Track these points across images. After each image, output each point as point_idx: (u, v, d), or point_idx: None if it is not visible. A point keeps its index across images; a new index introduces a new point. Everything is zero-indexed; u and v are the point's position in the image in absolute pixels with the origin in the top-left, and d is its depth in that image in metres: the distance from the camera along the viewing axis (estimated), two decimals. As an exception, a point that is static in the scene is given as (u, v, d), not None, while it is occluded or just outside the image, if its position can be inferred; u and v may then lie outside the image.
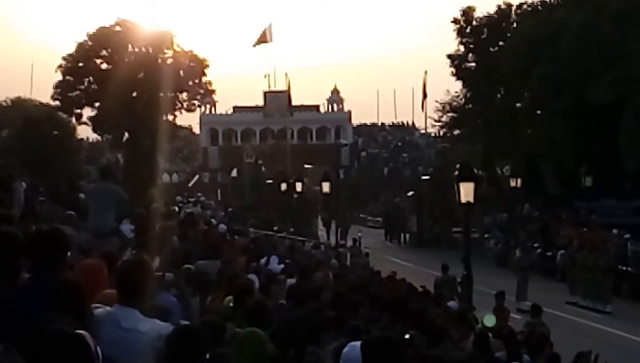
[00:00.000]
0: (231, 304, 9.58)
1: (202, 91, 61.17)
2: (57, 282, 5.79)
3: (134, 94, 55.28)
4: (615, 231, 40.12)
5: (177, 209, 28.15)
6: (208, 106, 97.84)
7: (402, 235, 59.19)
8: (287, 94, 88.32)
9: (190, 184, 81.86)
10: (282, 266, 17.24)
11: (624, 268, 36.14)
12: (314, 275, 14.35)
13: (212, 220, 28.38)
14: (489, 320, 9.98)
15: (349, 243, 45.10)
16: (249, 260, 17.38)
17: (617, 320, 29.70)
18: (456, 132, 63.03)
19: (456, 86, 62.01)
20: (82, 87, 56.59)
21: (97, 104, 55.93)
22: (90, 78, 56.30)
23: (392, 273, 27.58)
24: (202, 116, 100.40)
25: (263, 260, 18.46)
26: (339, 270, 21.81)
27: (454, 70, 59.82)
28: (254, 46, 71.83)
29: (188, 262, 13.20)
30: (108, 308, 5.92)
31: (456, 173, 23.13)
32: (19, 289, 5.76)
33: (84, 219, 14.84)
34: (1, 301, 5.45)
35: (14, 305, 5.34)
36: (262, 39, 70.97)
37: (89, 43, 56.60)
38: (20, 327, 5.09)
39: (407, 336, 7.54)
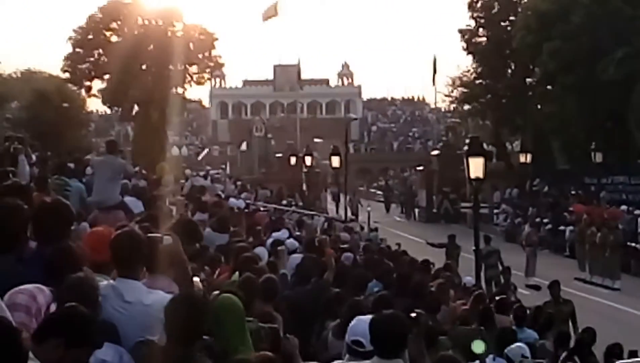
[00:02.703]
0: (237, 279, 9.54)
1: (211, 65, 61.21)
2: (51, 251, 5.82)
3: (144, 66, 55.31)
4: (624, 207, 40.05)
5: (184, 181, 28.12)
6: (218, 80, 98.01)
7: (412, 209, 59.09)
8: (297, 67, 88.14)
9: (199, 158, 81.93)
10: (293, 240, 17.21)
11: (633, 244, 36.07)
12: (325, 250, 14.31)
13: (221, 193, 28.33)
14: (478, 347, 9.97)
15: (361, 217, 45.17)
16: (256, 233, 17.34)
17: (626, 296, 29.67)
18: (466, 107, 62.93)
19: (467, 61, 62.01)
20: (92, 59, 56.68)
21: (106, 77, 56.01)
22: (100, 50, 56.36)
23: (397, 246, 27.72)
24: (212, 89, 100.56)
25: (275, 234, 18.44)
26: (349, 244, 21.73)
27: (464, 45, 59.65)
28: (264, 21, 71.55)
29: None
30: (111, 281, 5.92)
31: (465, 147, 23.08)
32: (24, 261, 5.78)
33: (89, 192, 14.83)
34: (6, 273, 5.46)
35: (19, 277, 5.35)
36: (271, 14, 70.71)
37: (99, 15, 56.62)
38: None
39: (413, 315, 7.53)
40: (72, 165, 17.28)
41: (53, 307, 5.08)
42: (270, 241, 15.48)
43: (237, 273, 10.13)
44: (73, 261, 5.77)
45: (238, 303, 6.55)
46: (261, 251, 13.29)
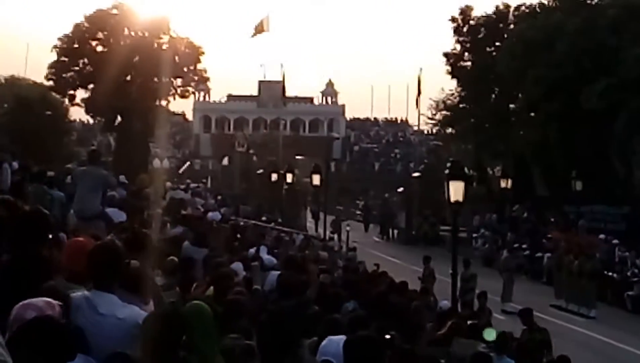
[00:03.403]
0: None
1: (196, 78, 61.25)
2: (22, 259, 5.80)
3: (128, 77, 55.27)
4: (602, 236, 40.23)
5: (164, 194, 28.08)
6: (202, 93, 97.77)
7: (391, 230, 59.11)
8: (281, 84, 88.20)
9: (180, 171, 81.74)
10: (270, 257, 17.20)
11: (610, 273, 36.19)
12: (307, 267, 14.34)
13: (200, 207, 28.31)
14: (489, 334, 9.99)
15: (343, 237, 45.25)
16: (238, 249, 17.35)
17: (601, 325, 29.75)
18: (449, 130, 63.21)
19: (451, 85, 62.24)
20: (77, 68, 56.59)
21: (90, 86, 55.93)
22: (85, 60, 56.29)
23: (375, 267, 27.68)
24: (196, 103, 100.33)
25: (252, 250, 18.45)
26: (328, 263, 21.74)
27: (449, 68, 59.95)
28: (252, 36, 71.61)
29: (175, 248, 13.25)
30: (85, 292, 5.89)
31: (446, 171, 23.12)
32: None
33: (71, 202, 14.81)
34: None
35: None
36: (260, 29, 70.77)
37: (86, 25, 56.57)
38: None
39: (388, 336, 7.54)
40: (51, 173, 17.26)
41: None
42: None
43: (211, 287, 10.16)
44: (45, 269, 5.75)
45: (207, 310, 6.55)
46: (237, 266, 13.30)
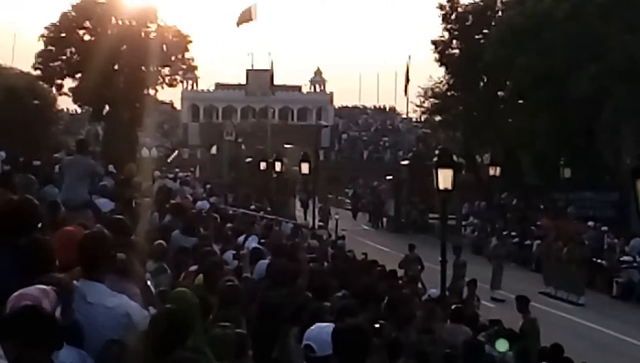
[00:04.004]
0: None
1: (184, 67, 61.14)
2: (26, 241, 5.76)
3: (116, 66, 55.10)
4: (591, 223, 40.32)
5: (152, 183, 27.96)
6: (190, 82, 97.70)
7: (380, 219, 59.14)
8: (269, 73, 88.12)
9: (169, 160, 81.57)
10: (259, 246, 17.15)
11: (598, 260, 36.27)
12: (297, 256, 14.32)
13: (189, 196, 28.20)
14: (502, 345, 10.09)
15: (330, 225, 45.25)
16: (227, 238, 17.29)
17: (590, 312, 29.86)
18: (437, 118, 63.24)
19: (439, 72, 62.18)
20: (64, 57, 56.43)
21: (78, 75, 55.77)
22: (73, 49, 56.12)
23: (363, 256, 27.65)
24: (184, 91, 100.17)
25: (241, 238, 18.40)
26: (317, 252, 21.70)
27: (437, 56, 59.90)
28: (238, 25, 71.33)
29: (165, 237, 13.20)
30: (75, 282, 5.86)
31: (435, 158, 23.10)
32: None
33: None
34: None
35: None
36: (246, 18, 70.50)
37: (73, 14, 56.37)
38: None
39: (377, 325, 7.52)
40: (38, 163, 17.21)
41: (58, 311, 5.02)
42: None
43: (200, 275, 10.15)
44: (49, 255, 5.73)
45: (191, 297, 6.57)
46: (229, 256, 13.27)
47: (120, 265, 6.44)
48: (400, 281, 20.53)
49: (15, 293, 5.01)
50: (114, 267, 6.23)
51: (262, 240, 19.43)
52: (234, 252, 14.81)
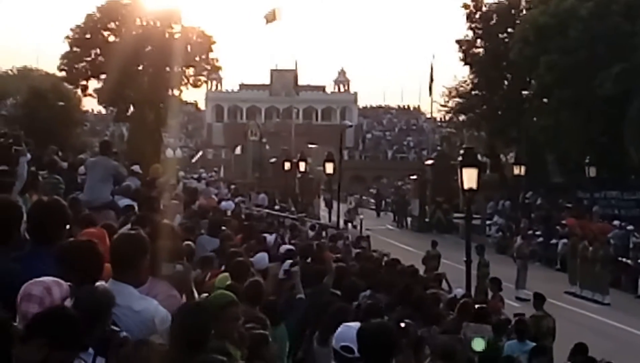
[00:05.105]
0: (228, 282, 9.53)
1: (208, 67, 61.20)
2: (66, 243, 5.77)
3: (140, 67, 55.32)
4: (617, 222, 40.12)
5: (176, 183, 28.06)
6: (214, 83, 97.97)
7: (404, 218, 59.08)
8: (293, 73, 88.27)
9: (193, 160, 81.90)
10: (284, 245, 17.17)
11: (624, 260, 36.07)
12: (323, 256, 14.34)
13: (214, 197, 28.28)
14: (478, 344, 10.04)
15: (357, 225, 45.32)
16: (251, 238, 17.32)
17: (615, 311, 29.67)
18: (462, 117, 63.11)
19: (463, 72, 62.20)
20: (89, 58, 56.66)
21: (103, 76, 55.98)
22: (97, 50, 56.35)
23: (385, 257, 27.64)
24: (208, 92, 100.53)
25: (270, 238, 18.42)
26: (342, 252, 21.71)
27: (462, 55, 59.77)
28: (266, 24, 71.46)
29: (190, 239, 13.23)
30: (103, 283, 5.84)
31: (460, 158, 23.06)
32: (19, 260, 5.71)
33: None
34: (1, 273, 5.41)
35: (15, 277, 5.26)
36: (272, 18, 70.60)
37: (97, 15, 56.62)
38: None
39: (402, 325, 7.50)
40: (65, 164, 17.27)
41: (69, 303, 5.02)
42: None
43: (226, 274, 10.16)
44: (95, 254, 5.72)
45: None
46: (262, 256, 13.20)
47: (176, 276, 6.53)
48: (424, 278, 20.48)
49: (31, 281, 4.99)
50: (144, 270, 6.22)
51: (288, 240, 19.52)
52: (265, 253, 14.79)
